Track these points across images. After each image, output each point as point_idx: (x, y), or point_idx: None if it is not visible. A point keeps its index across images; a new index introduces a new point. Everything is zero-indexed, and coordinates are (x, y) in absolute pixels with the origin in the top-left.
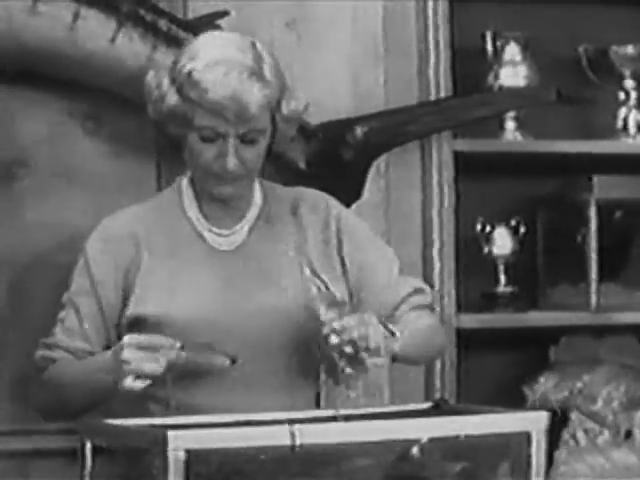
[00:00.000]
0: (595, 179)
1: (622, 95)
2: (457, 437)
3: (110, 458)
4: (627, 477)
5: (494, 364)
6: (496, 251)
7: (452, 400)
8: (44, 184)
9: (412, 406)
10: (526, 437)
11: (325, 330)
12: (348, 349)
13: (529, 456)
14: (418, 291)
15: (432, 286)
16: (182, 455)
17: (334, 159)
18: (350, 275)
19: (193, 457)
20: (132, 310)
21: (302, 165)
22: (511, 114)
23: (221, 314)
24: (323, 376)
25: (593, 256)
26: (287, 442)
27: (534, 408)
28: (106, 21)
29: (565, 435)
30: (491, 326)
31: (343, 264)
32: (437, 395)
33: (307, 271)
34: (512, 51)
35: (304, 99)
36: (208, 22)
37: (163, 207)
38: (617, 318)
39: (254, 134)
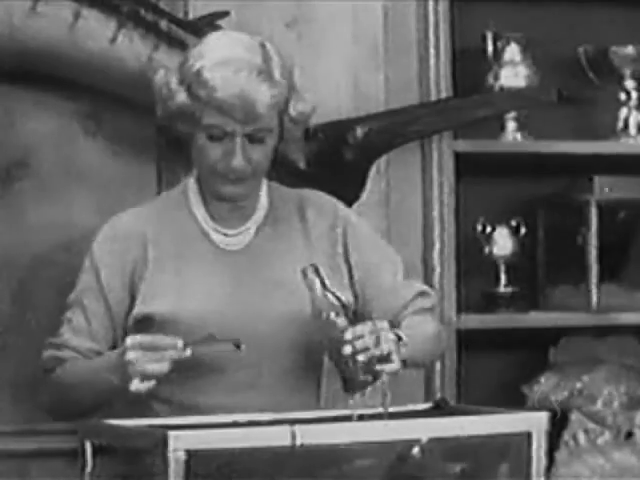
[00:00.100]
0: (596, 179)
1: (622, 95)
2: (457, 437)
3: (110, 458)
4: (627, 478)
5: (494, 364)
6: (497, 251)
7: (452, 400)
8: (44, 184)
9: (412, 406)
10: (526, 437)
11: (338, 339)
12: (361, 357)
13: (529, 456)
14: (422, 294)
15: (432, 286)
16: (182, 455)
17: (334, 159)
18: (355, 277)
19: (193, 457)
20: (139, 309)
21: (302, 165)
22: (511, 115)
23: (228, 314)
24: (324, 376)
25: (593, 256)
26: (287, 442)
27: (534, 408)
28: (106, 21)
29: (565, 435)
30: (491, 326)
31: (349, 266)
32: (437, 395)
33: (308, 271)
34: (512, 51)
35: (312, 101)
36: (208, 22)
37: (169, 207)
38: (617, 318)
39: (262, 134)
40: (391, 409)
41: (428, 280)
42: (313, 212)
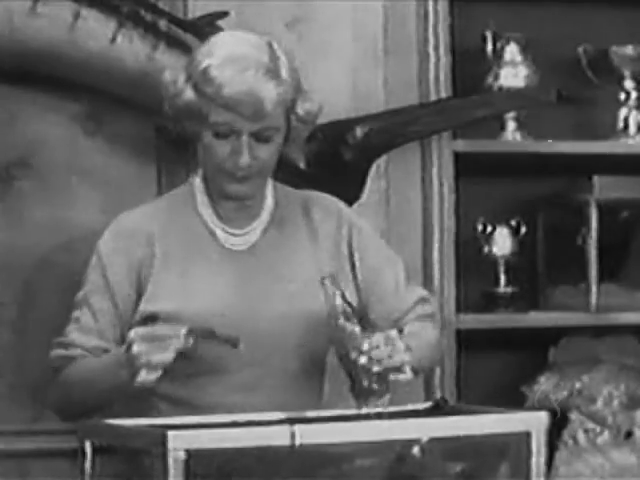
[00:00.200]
0: (595, 179)
1: (622, 95)
2: (457, 437)
3: (110, 458)
4: (627, 477)
5: (494, 364)
6: (496, 251)
7: (452, 400)
8: (44, 184)
9: (412, 406)
10: (526, 437)
11: (353, 349)
12: (376, 368)
13: (529, 456)
14: (423, 300)
15: (432, 286)
16: (182, 455)
17: (334, 159)
18: (359, 279)
19: (193, 457)
20: (144, 307)
21: (302, 165)
22: (511, 114)
23: (233, 314)
24: (326, 377)
25: (593, 256)
26: (287, 442)
27: (534, 408)
28: (106, 21)
29: (565, 435)
30: (491, 326)
31: (353, 268)
32: (437, 395)
33: (326, 281)
34: (512, 51)
35: (318, 101)
36: (208, 22)
37: (176, 206)
38: (617, 318)
39: (268, 132)
40: (391, 409)
41: (427, 280)
42: (318, 213)
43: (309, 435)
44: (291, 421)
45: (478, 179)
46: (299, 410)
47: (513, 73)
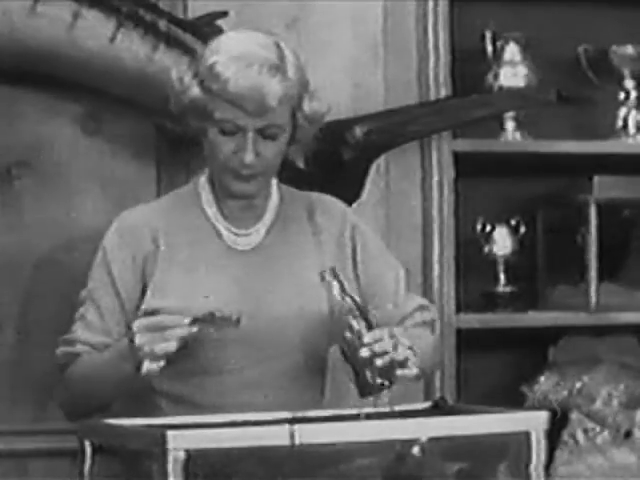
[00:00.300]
0: (595, 179)
1: (622, 95)
2: (456, 437)
3: (110, 458)
4: (627, 477)
5: (494, 364)
6: (496, 251)
7: (452, 400)
8: (44, 184)
9: (412, 406)
10: (526, 437)
11: (355, 342)
12: (380, 361)
13: (529, 456)
14: (422, 308)
15: (432, 286)
16: (182, 455)
17: (334, 159)
18: (360, 284)
19: (193, 457)
20: (148, 304)
21: (301, 165)
22: (511, 114)
23: (237, 313)
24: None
25: (593, 256)
26: (287, 442)
27: (534, 408)
28: (106, 21)
29: (565, 435)
30: (491, 326)
31: (355, 271)
32: (437, 395)
33: (326, 274)
34: (512, 51)
35: (326, 101)
36: (208, 22)
37: (180, 204)
38: (616, 318)
39: (273, 129)
40: (390, 408)
41: (428, 279)
42: (322, 215)
43: (309, 435)
44: (291, 421)
45: (478, 179)
46: (301, 409)
47: (513, 73)
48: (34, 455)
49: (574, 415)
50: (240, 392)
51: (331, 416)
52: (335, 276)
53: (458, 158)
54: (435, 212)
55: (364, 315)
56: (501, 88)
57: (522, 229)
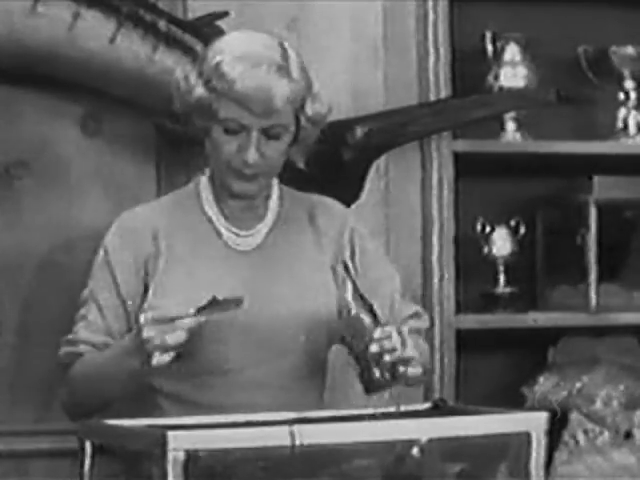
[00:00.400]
0: (595, 179)
1: (622, 95)
2: (456, 437)
3: (110, 458)
4: (627, 477)
5: (493, 365)
6: (495, 252)
7: (451, 400)
8: (44, 184)
9: (411, 406)
10: (526, 437)
11: (364, 336)
12: (388, 358)
13: (528, 457)
14: (416, 315)
15: (432, 286)
16: (182, 455)
17: (334, 159)
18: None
19: (193, 457)
20: (149, 304)
21: (301, 165)
22: (511, 115)
23: (238, 314)
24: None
25: (592, 257)
26: (287, 442)
27: (533, 408)
28: (106, 21)
29: (565, 436)
30: (490, 327)
31: (354, 273)
32: (436, 396)
33: (339, 268)
34: (512, 52)
35: (328, 103)
36: (208, 22)
37: (181, 204)
38: (616, 319)
39: (277, 129)
40: (389, 409)
41: (427, 280)
42: (323, 217)
43: (309, 435)
44: (291, 421)
45: (478, 179)
46: (302, 409)
47: (513, 73)
48: (35, 455)
49: (574, 415)
50: (240, 392)
51: (331, 417)
52: (346, 270)
53: (458, 158)
54: (435, 212)
55: (373, 312)
56: (501, 88)
57: (522, 230)
